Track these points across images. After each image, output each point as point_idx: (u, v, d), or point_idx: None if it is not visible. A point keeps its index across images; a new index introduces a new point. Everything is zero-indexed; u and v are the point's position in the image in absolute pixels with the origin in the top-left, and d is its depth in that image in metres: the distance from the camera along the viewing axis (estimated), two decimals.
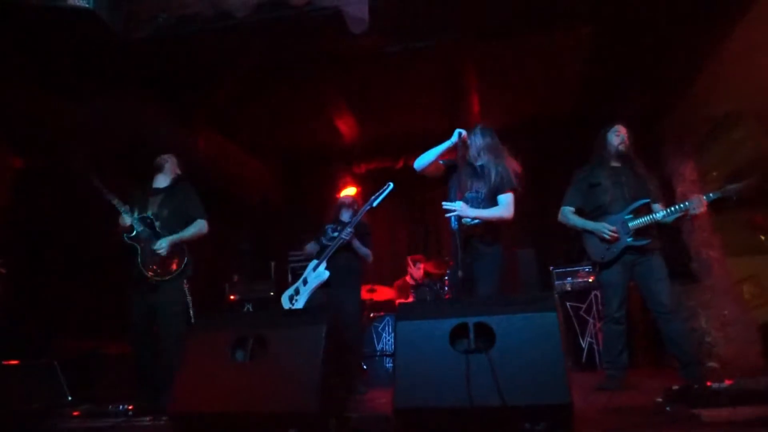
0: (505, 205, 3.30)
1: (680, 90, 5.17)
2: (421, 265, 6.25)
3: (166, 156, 4.01)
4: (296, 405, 2.21)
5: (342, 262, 4.29)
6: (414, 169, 3.51)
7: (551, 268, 5.80)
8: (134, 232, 3.70)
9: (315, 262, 4.25)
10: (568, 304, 5.50)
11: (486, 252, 3.29)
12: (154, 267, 3.64)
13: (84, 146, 4.79)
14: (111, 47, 4.12)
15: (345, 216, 4.58)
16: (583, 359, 5.27)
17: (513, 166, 3.39)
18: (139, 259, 3.64)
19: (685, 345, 3.46)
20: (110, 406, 3.04)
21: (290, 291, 4.30)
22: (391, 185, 4.15)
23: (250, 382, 2.35)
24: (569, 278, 5.69)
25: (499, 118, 6.30)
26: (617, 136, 3.74)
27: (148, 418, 2.88)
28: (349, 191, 7.45)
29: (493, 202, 3.33)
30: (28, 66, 4.20)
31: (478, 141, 3.40)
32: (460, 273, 3.08)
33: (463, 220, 3.24)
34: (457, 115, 6.05)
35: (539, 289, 5.99)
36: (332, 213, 4.69)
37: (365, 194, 7.21)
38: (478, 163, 3.39)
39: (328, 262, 4.17)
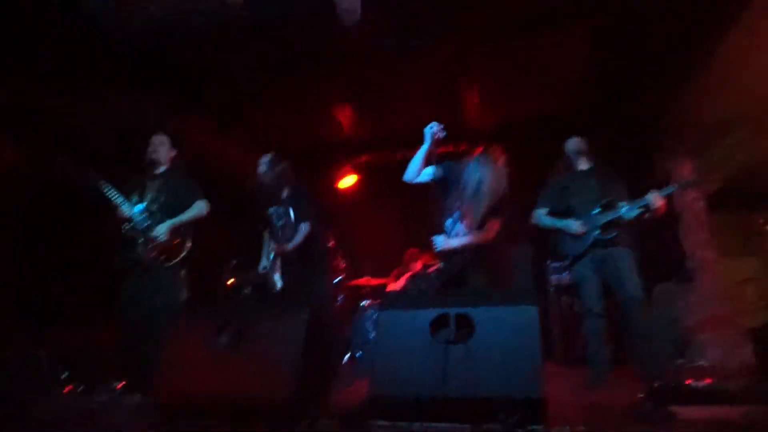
0: (488, 231, 3.50)
1: (677, 92, 5.20)
2: (419, 259, 6.21)
3: (158, 138, 3.95)
4: (275, 391, 2.26)
5: (296, 264, 4.10)
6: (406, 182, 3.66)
7: (548, 262, 5.80)
8: (132, 222, 3.66)
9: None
10: (563, 298, 5.51)
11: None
12: (154, 254, 3.62)
13: (74, 141, 4.73)
14: (102, 38, 4.12)
15: (284, 193, 4.27)
16: (576, 354, 5.27)
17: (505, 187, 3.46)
18: (138, 249, 3.62)
19: (652, 339, 3.57)
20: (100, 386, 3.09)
21: None
22: None
23: (230, 368, 2.40)
24: (566, 273, 5.67)
25: (499, 115, 6.31)
26: (571, 142, 4.10)
27: (137, 396, 2.93)
28: (348, 180, 7.47)
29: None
30: (18, 57, 4.17)
31: (475, 171, 3.43)
32: (442, 265, 3.44)
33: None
34: (456, 110, 6.05)
35: (534, 284, 5.99)
36: (256, 192, 4.36)
37: (365, 184, 7.26)
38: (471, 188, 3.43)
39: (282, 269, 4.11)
